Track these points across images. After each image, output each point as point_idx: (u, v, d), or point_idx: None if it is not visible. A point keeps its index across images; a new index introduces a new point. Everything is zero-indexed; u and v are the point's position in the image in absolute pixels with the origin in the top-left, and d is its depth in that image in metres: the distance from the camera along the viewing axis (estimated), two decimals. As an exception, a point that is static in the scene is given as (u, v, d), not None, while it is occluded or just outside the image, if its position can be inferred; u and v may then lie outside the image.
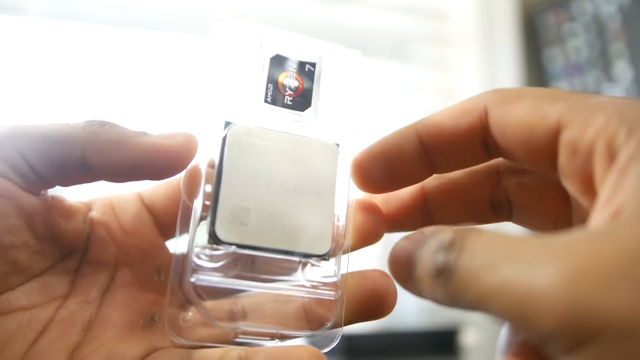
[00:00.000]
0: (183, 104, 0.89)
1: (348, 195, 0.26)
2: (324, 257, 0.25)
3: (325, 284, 0.25)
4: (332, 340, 0.25)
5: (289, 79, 0.26)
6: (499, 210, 0.26)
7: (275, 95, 0.26)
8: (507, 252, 0.16)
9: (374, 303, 0.25)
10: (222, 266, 0.23)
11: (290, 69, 0.26)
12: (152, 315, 0.24)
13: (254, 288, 0.24)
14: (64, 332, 0.22)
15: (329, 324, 0.24)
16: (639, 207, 0.16)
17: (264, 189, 0.24)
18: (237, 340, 0.24)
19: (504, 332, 0.21)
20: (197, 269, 0.23)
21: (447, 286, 0.17)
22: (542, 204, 0.24)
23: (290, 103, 0.26)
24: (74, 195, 0.26)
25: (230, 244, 0.23)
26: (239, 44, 0.25)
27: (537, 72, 1.16)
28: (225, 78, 0.25)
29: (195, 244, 0.23)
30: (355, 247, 0.26)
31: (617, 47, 1.05)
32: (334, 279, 0.25)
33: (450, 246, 0.18)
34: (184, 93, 0.89)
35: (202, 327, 0.24)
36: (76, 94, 0.83)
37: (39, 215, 0.23)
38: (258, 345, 0.24)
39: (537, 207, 0.24)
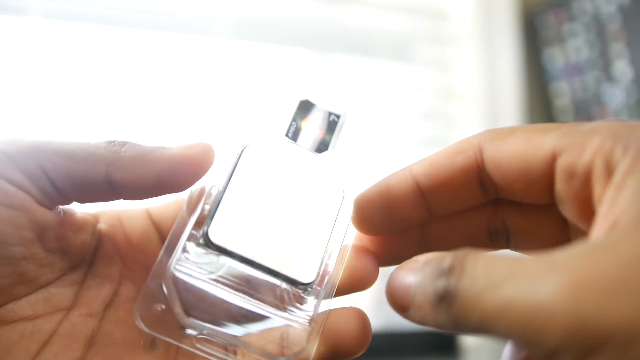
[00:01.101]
0: (183, 104, 0.89)
1: (343, 240, 0.26)
2: (307, 287, 0.25)
3: (302, 315, 0.25)
4: None
5: (313, 124, 0.27)
6: (496, 239, 0.26)
7: (296, 132, 0.27)
8: (507, 271, 0.17)
9: (347, 341, 0.24)
10: (205, 264, 0.23)
11: (315, 115, 0.28)
12: (153, 339, 0.24)
13: (230, 298, 0.24)
14: (66, 346, 0.22)
15: (295, 354, 0.24)
16: (633, 217, 0.17)
17: (266, 208, 0.25)
18: (198, 346, 0.24)
19: (506, 352, 0.21)
20: (182, 260, 0.23)
21: (450, 311, 0.17)
22: (540, 230, 0.24)
23: (309, 143, 0.27)
24: (82, 207, 0.26)
25: (220, 248, 0.23)
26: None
27: (537, 72, 1.16)
28: (252, 106, 0.26)
29: (185, 239, 0.23)
30: (344, 290, 0.25)
31: (617, 47, 1.05)
32: (311, 313, 0.25)
33: (449, 271, 0.18)
34: (184, 93, 0.90)
35: (168, 322, 0.23)
36: (76, 94, 0.83)
37: (51, 229, 0.23)
38: (215, 357, 0.24)
39: (535, 233, 0.24)
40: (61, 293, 0.23)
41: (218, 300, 0.23)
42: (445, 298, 0.18)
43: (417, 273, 0.19)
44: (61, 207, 0.24)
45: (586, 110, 1.11)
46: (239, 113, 0.91)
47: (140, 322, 0.23)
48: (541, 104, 1.17)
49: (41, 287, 0.23)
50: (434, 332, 0.67)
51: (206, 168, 0.24)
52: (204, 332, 0.23)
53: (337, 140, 0.28)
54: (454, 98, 1.08)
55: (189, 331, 0.24)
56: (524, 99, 1.10)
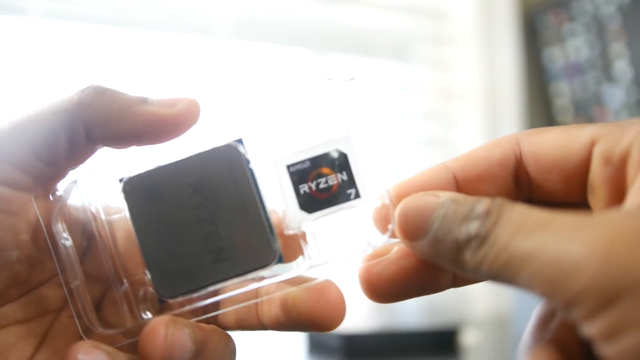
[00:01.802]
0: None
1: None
2: (271, 263, 0.23)
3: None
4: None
5: (321, 181, 0.23)
6: None
7: (309, 202, 0.23)
8: (542, 222, 0.17)
9: (323, 315, 0.23)
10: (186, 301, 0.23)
11: (316, 171, 0.24)
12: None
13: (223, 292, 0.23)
14: (58, 349, 0.22)
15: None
16: None
17: (182, 229, 0.23)
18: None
19: (528, 329, 0.21)
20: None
21: (478, 252, 0.18)
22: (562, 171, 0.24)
23: (332, 200, 0.23)
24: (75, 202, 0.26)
25: (179, 295, 0.22)
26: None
27: (537, 72, 1.16)
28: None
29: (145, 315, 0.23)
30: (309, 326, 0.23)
31: (617, 47, 1.05)
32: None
33: (486, 215, 0.18)
34: (184, 93, 0.90)
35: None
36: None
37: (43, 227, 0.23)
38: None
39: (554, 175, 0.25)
40: (52, 295, 0.23)
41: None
42: (476, 238, 0.18)
43: (439, 207, 0.20)
44: (56, 195, 0.24)
45: (586, 110, 1.12)
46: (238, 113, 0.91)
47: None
48: (541, 104, 1.17)
49: (33, 288, 0.23)
50: (434, 332, 0.67)
51: (188, 127, 0.23)
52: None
53: (357, 169, 0.23)
54: (454, 98, 1.08)
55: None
56: (524, 99, 1.10)
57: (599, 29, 1.07)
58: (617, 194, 0.20)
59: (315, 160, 0.23)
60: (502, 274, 0.17)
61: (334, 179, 0.23)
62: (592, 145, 0.21)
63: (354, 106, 0.25)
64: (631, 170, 0.19)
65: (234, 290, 0.23)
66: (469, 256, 0.18)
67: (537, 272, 0.16)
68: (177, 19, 0.91)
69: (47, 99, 0.22)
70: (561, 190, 0.23)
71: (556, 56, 1.14)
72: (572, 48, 1.12)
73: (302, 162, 0.23)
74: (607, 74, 1.07)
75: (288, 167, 0.23)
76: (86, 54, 0.84)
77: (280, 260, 0.23)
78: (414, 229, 0.20)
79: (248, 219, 0.23)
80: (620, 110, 1.06)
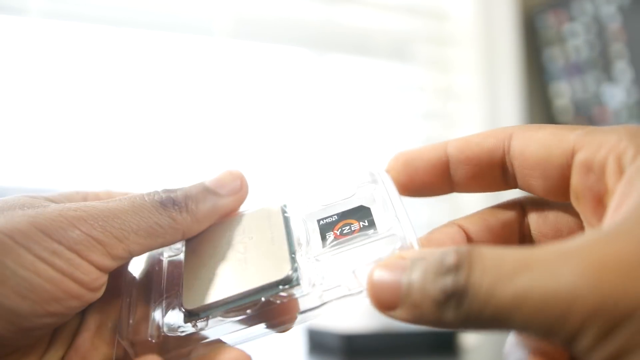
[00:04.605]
0: (182, 104, 0.89)
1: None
2: (288, 280, 0.24)
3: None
4: None
5: (346, 228, 0.26)
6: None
7: (332, 242, 0.26)
8: (520, 262, 0.17)
9: None
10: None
11: (342, 222, 0.26)
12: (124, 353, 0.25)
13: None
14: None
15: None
16: None
17: (218, 258, 0.26)
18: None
19: (509, 346, 0.21)
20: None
21: (460, 309, 0.17)
22: (561, 237, 0.25)
23: (356, 237, 0.25)
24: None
25: (202, 309, 0.24)
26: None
27: (537, 72, 1.16)
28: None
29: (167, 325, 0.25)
30: None
31: (617, 47, 1.05)
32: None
33: (456, 267, 0.17)
34: (184, 93, 0.90)
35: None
36: (76, 94, 0.83)
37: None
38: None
39: (556, 238, 0.25)
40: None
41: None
42: (454, 295, 0.17)
43: (407, 271, 0.19)
44: None
45: (586, 110, 1.12)
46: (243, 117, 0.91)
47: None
48: (541, 104, 1.17)
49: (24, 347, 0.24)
50: (434, 332, 0.67)
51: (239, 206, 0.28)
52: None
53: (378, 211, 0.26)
54: (454, 98, 1.08)
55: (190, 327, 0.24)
56: (524, 99, 1.10)
57: (599, 29, 1.07)
58: (600, 203, 0.21)
59: (343, 214, 0.26)
60: (492, 324, 0.17)
61: (357, 226, 0.26)
62: (574, 152, 0.21)
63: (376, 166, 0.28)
64: (609, 181, 0.20)
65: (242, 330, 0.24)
66: (452, 314, 0.17)
67: (531, 315, 0.16)
68: (177, 19, 0.91)
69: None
70: (543, 189, 0.23)
71: (556, 56, 1.14)
72: (572, 48, 1.12)
73: (331, 216, 0.26)
74: (607, 74, 1.07)
75: (318, 221, 0.26)
76: (86, 54, 0.84)
77: (297, 282, 0.24)
78: (388, 301, 0.19)
79: (274, 248, 0.25)
80: (620, 110, 1.06)
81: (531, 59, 1.14)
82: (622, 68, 1.05)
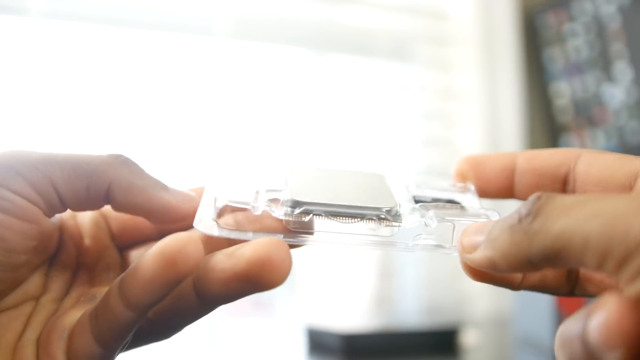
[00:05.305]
0: (182, 104, 0.89)
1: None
2: (394, 211, 0.25)
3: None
4: None
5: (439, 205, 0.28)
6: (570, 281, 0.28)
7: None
8: (593, 197, 0.18)
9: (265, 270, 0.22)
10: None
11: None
12: (93, 295, 0.26)
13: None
14: (39, 324, 0.25)
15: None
16: None
17: (326, 180, 0.28)
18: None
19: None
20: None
21: (531, 226, 0.19)
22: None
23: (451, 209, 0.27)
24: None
25: (307, 203, 0.25)
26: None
27: (537, 72, 1.16)
28: None
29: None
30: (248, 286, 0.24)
31: (617, 47, 1.05)
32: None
33: (537, 198, 0.19)
34: (184, 93, 0.90)
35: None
36: (76, 94, 0.83)
37: (50, 237, 0.25)
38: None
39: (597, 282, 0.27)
40: (34, 284, 0.25)
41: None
42: (528, 216, 0.19)
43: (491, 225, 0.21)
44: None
45: (586, 110, 1.12)
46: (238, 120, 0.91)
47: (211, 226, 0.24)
48: (541, 104, 1.17)
49: (22, 283, 0.25)
50: (434, 332, 0.67)
51: (188, 223, 0.25)
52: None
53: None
54: (454, 98, 1.08)
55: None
56: (524, 99, 1.10)
57: (599, 29, 1.07)
58: None
59: (435, 199, 0.29)
60: (555, 245, 0.18)
61: (449, 205, 0.28)
62: (637, 176, 0.23)
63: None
64: None
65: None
66: (522, 230, 0.19)
67: (593, 233, 0.17)
68: (177, 19, 0.91)
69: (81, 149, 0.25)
70: None
71: (556, 56, 1.14)
72: (572, 48, 1.12)
73: (425, 196, 0.28)
74: (607, 74, 1.07)
75: (413, 196, 0.28)
76: (86, 54, 0.85)
77: (400, 218, 0.26)
78: (472, 241, 0.22)
79: (381, 190, 0.28)
80: (620, 110, 1.06)
81: (531, 59, 1.14)
82: (622, 68, 1.05)
